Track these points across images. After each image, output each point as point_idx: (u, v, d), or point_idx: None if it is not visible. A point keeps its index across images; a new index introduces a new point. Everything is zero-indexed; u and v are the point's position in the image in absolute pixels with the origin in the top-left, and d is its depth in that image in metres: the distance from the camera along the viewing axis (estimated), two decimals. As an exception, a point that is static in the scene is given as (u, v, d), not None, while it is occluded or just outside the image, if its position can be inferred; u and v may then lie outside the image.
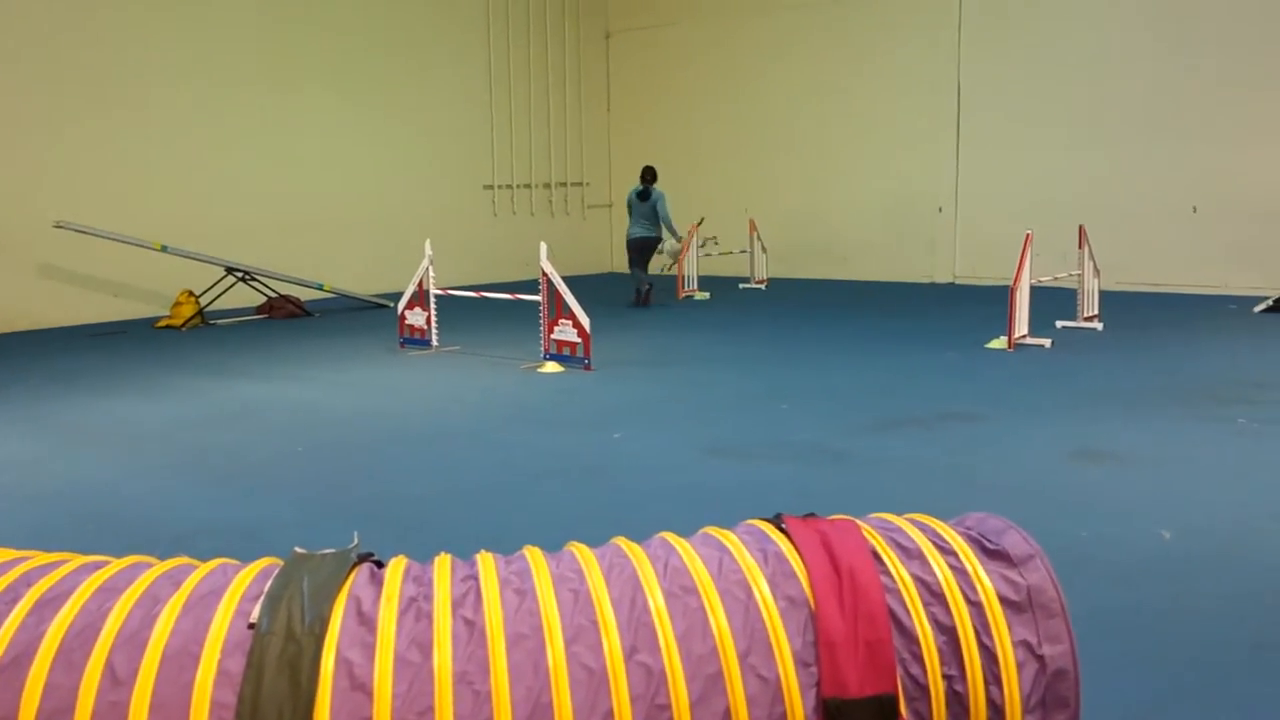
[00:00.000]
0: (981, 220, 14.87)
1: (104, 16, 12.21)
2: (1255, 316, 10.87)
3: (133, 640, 1.70)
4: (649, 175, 12.87)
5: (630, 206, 12.99)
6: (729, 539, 2.04)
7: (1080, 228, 10.24)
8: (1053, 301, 10.78)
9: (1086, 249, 10.05)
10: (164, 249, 11.74)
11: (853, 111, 15.98)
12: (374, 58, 15.13)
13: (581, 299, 8.52)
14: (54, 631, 1.71)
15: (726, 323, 11.40)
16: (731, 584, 1.90)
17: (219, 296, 12.05)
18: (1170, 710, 2.75)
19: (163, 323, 11.73)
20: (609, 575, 1.91)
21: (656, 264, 13.72)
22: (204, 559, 2.03)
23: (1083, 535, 4.12)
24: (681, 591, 1.88)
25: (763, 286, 15.09)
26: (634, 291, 13.24)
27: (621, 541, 2.08)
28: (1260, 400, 6.66)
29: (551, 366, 8.39)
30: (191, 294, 11.78)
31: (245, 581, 1.85)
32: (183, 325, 11.50)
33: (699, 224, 14.45)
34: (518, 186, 17.35)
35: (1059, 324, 10.04)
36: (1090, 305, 10.20)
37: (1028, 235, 9.31)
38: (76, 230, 11.30)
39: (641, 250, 13.02)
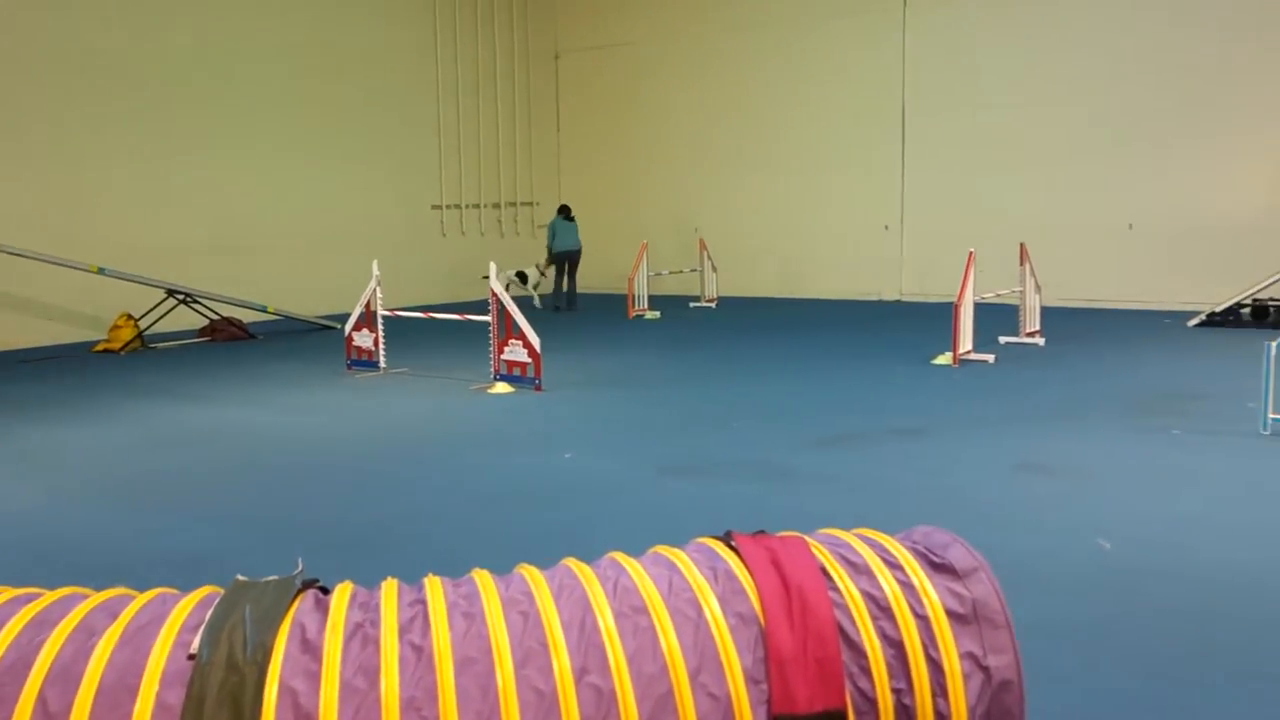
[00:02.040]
0: (927, 239, 15.09)
1: (36, 36, 12.00)
2: (1189, 330, 11.13)
3: (66, 674, 1.66)
4: (567, 207, 15.70)
5: (557, 229, 15.25)
6: (679, 558, 2.04)
7: (1021, 245, 10.43)
8: (996, 317, 10.95)
9: (1028, 266, 10.23)
10: (101, 271, 11.53)
11: (801, 132, 16.15)
12: (319, 76, 15.02)
13: (531, 318, 8.50)
14: (-15, 667, 1.66)
15: (677, 341, 11.43)
16: (682, 603, 1.90)
17: (159, 319, 11.85)
18: (1114, 717, 2.78)
19: (101, 346, 11.50)
20: (559, 597, 1.90)
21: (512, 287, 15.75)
22: (142, 589, 1.98)
23: (1026, 547, 4.18)
24: (632, 611, 1.87)
25: (713, 305, 15.17)
26: (562, 299, 15.23)
27: (571, 562, 2.07)
28: (1194, 412, 6.81)
29: (502, 387, 8.35)
30: (130, 317, 11.57)
31: (185, 611, 1.81)
32: (121, 349, 11.28)
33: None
34: (466, 207, 17.30)
35: (1002, 339, 10.20)
36: (1032, 321, 10.37)
37: (970, 253, 9.45)
38: (9, 253, 11.05)
39: (575, 259, 15.29)
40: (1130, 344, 10.21)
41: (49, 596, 1.87)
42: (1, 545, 4.63)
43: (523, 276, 15.74)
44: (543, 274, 15.85)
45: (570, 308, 15.16)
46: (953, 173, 14.76)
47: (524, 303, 15.33)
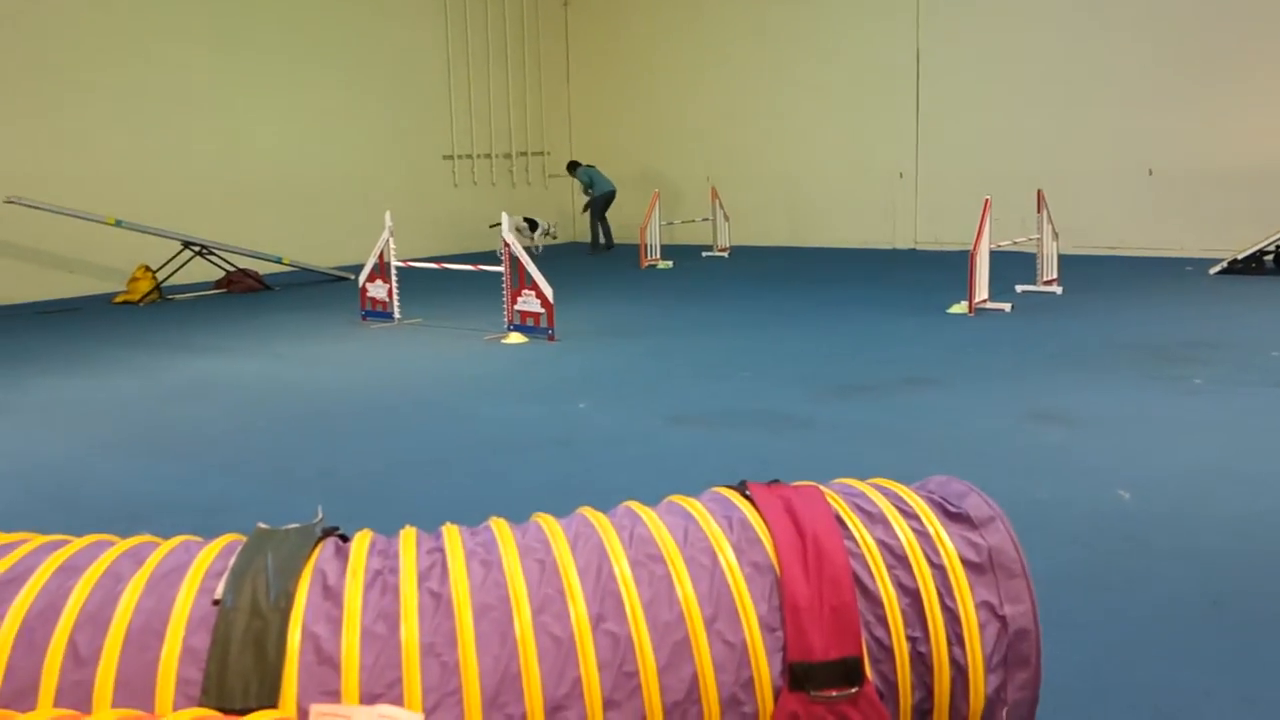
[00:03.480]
0: (941, 186, 14.95)
1: (50, -15, 11.93)
2: (1211, 278, 11.03)
3: (95, 619, 1.69)
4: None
5: (594, 176, 16.16)
6: (694, 507, 2.05)
7: (1039, 192, 10.32)
8: (1012, 266, 10.88)
9: (1045, 213, 10.13)
10: (118, 224, 11.55)
11: (813, 78, 15.95)
12: (330, 28, 14.89)
13: (544, 268, 8.49)
14: (14, 612, 1.69)
15: (689, 291, 11.40)
16: (697, 551, 1.91)
17: (176, 271, 11.88)
18: (1131, 666, 2.81)
19: (120, 298, 11.55)
20: (575, 545, 1.92)
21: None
22: (166, 537, 2.01)
23: (1042, 496, 4.19)
24: (647, 559, 1.89)
25: (725, 254, 15.10)
26: (600, 240, 16.13)
27: (587, 511, 2.09)
28: (1215, 361, 6.77)
29: (515, 337, 8.36)
30: (148, 269, 11.61)
31: (209, 558, 1.84)
32: (140, 301, 11.33)
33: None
34: (478, 156, 17.20)
35: (1019, 288, 10.13)
36: (1049, 269, 10.30)
37: (986, 200, 9.36)
38: (28, 206, 11.07)
39: (612, 200, 16.22)
40: (1150, 292, 10.14)
41: (76, 543, 1.90)
42: (26, 494, 4.70)
43: (532, 224, 16.17)
44: (551, 234, 16.54)
45: (610, 248, 16.12)
46: (968, 118, 14.57)
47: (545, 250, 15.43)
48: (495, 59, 17.34)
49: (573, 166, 16.62)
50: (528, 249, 15.51)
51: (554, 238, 16.81)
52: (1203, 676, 2.73)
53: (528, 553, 1.90)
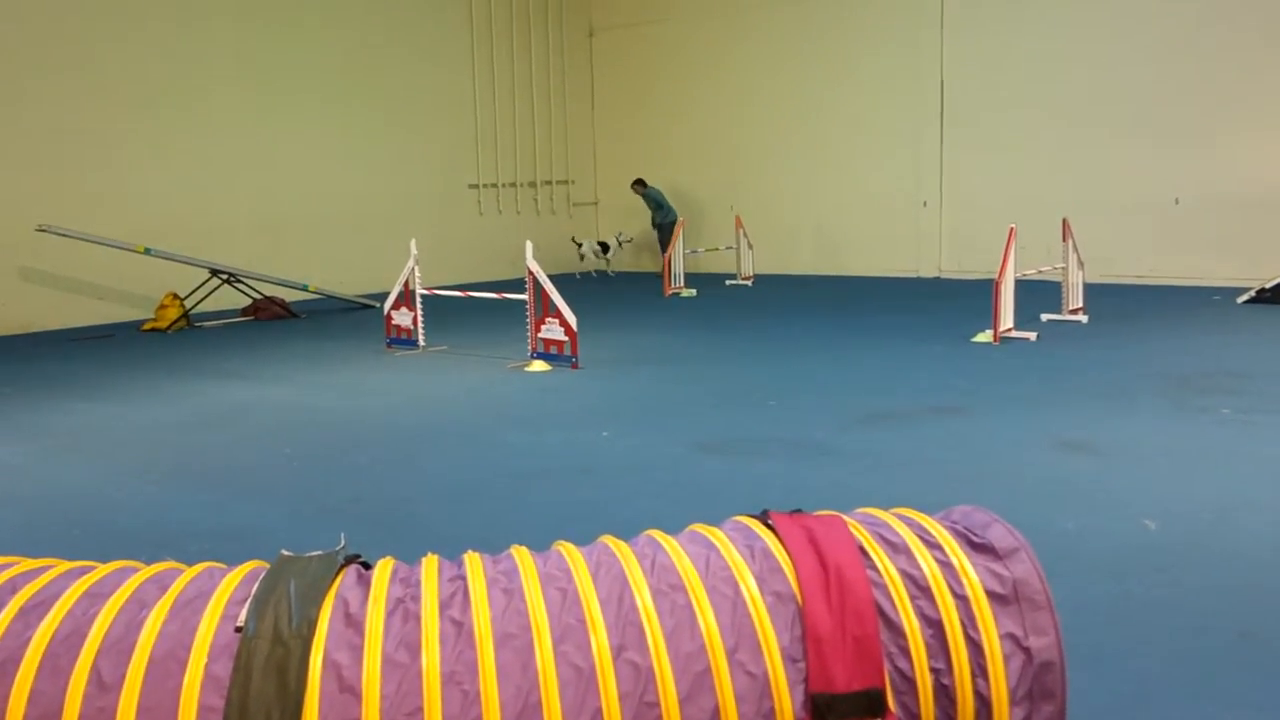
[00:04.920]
0: (966, 214, 14.92)
1: (81, 21, 12.14)
2: (1238, 307, 10.93)
3: (119, 645, 1.70)
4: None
5: (664, 199, 16.48)
6: (716, 536, 2.05)
7: (1064, 221, 10.28)
8: (1038, 295, 10.82)
9: (1070, 242, 10.09)
10: (147, 251, 11.69)
11: (838, 107, 16.01)
12: (357, 57, 15.08)
13: (568, 297, 8.52)
14: (39, 638, 1.71)
15: (713, 319, 11.41)
16: (719, 581, 1.91)
17: (204, 299, 12.01)
18: (1157, 700, 2.77)
19: (148, 326, 11.67)
20: (596, 574, 1.92)
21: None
22: (190, 563, 2.02)
23: (1068, 527, 4.15)
24: (669, 589, 1.89)
25: (749, 283, 15.11)
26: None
27: (609, 540, 2.09)
28: (1244, 391, 6.70)
29: (539, 365, 8.38)
30: (176, 296, 11.73)
31: (232, 585, 1.85)
32: (168, 328, 11.45)
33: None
34: (503, 185, 17.33)
35: (1044, 317, 10.08)
36: (1075, 298, 10.24)
37: (1011, 229, 9.34)
38: (59, 234, 11.24)
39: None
40: (1177, 321, 10.06)
41: (102, 570, 1.91)
42: (54, 519, 4.73)
43: (604, 247, 16.86)
44: (620, 244, 17.02)
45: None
46: (993, 147, 14.57)
47: (584, 272, 15.54)
48: (521, 89, 17.50)
49: (639, 184, 16.73)
50: (602, 272, 16.90)
51: (630, 240, 17.27)
52: (1230, 710, 2.69)
53: (549, 581, 1.90)
